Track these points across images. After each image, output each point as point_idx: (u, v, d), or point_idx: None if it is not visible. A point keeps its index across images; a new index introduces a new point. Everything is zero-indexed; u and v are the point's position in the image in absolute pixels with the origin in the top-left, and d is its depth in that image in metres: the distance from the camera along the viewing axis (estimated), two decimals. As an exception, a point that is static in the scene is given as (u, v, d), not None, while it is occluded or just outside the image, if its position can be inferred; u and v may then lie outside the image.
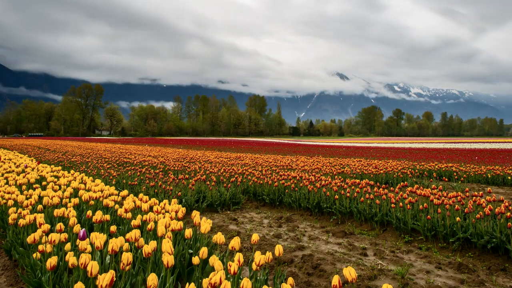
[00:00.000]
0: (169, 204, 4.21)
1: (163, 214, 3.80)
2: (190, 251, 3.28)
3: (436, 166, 11.76)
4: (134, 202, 4.18)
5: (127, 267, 2.37)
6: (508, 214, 4.03)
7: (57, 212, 3.66)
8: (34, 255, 2.88)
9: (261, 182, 7.43)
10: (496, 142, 47.83)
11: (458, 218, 4.32)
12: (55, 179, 6.05)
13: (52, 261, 2.44)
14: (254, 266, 2.37)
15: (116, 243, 2.55)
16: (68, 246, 2.83)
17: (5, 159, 11.39)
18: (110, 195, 4.61)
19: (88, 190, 5.06)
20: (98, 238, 2.69)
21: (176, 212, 3.69)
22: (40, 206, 4.01)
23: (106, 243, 2.91)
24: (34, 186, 5.37)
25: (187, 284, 2.13)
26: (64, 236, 3.01)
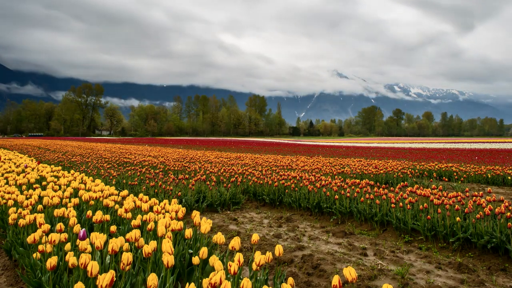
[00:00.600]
0: (169, 204, 4.21)
1: (163, 214, 3.80)
2: (190, 251, 3.28)
3: (436, 166, 11.76)
4: (134, 202, 4.18)
5: (127, 267, 2.37)
6: (508, 214, 4.03)
7: (57, 212, 3.66)
8: (34, 255, 2.88)
9: (261, 182, 7.43)
10: (496, 142, 47.82)
11: (458, 218, 4.33)
12: (55, 179, 6.05)
13: (52, 261, 2.44)
14: (254, 266, 2.37)
15: (116, 243, 2.55)
16: (68, 246, 2.83)
17: (5, 159, 11.39)
18: (110, 195, 4.61)
19: (88, 190, 5.06)
20: (98, 238, 2.69)
21: (176, 212, 3.69)
22: (40, 206, 4.01)
23: (106, 243, 2.91)
24: (34, 186, 5.37)
25: (187, 284, 2.13)
26: (64, 236, 3.01)
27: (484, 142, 47.35)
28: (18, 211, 3.80)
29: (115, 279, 2.02)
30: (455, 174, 10.51)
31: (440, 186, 6.15)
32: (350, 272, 1.92)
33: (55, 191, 5.05)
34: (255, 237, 2.78)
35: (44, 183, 5.93)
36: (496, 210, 4.23)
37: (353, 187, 6.47)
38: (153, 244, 2.63)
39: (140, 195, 4.35)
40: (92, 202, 4.43)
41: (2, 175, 6.99)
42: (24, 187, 5.44)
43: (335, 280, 1.87)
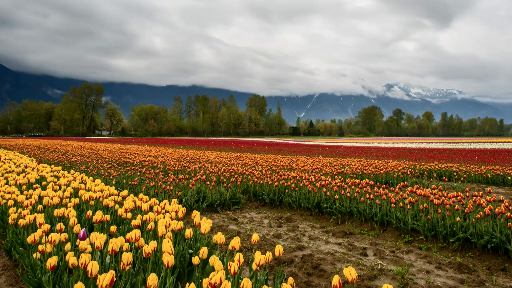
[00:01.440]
0: (169, 204, 4.21)
1: (163, 214, 3.80)
2: (190, 251, 3.28)
3: (436, 166, 11.76)
4: (134, 202, 4.18)
5: (127, 267, 2.37)
6: (508, 214, 4.03)
7: (57, 212, 3.66)
8: (34, 255, 2.88)
9: (261, 182, 7.42)
10: (496, 142, 47.84)
11: (458, 218, 4.33)
12: (55, 179, 6.05)
13: (52, 261, 2.44)
14: (254, 266, 2.37)
15: (116, 243, 2.55)
16: (68, 246, 2.83)
17: (5, 159, 11.39)
18: (110, 195, 4.61)
19: (88, 190, 5.06)
20: (98, 238, 2.69)
21: (176, 212, 3.69)
22: (40, 206, 4.01)
23: (106, 243, 2.91)
24: (34, 186, 5.37)
25: (187, 284, 2.13)
26: (64, 236, 3.01)
27: (484, 142, 47.37)
28: (18, 211, 3.80)
29: (115, 279, 2.02)
30: (455, 174, 10.51)
31: (440, 186, 6.15)
32: (350, 272, 1.92)
33: (55, 191, 5.05)
34: (255, 237, 2.78)
35: (44, 183, 5.93)
36: (496, 210, 4.23)
37: (353, 187, 6.47)
38: (153, 244, 2.63)
39: (140, 195, 4.35)
40: (92, 202, 4.43)
41: (2, 175, 6.99)
42: (24, 187, 5.44)
43: (335, 280, 1.87)
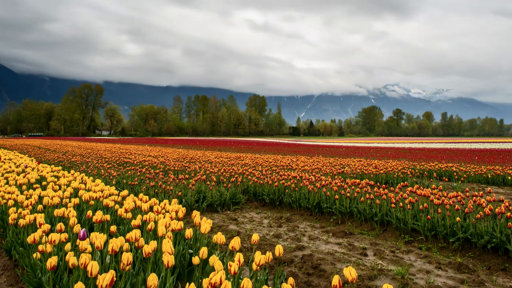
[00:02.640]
0: (169, 204, 4.22)
1: (163, 214, 3.80)
2: (190, 251, 3.28)
3: (436, 166, 11.76)
4: (134, 202, 4.18)
5: (127, 267, 2.37)
6: (508, 214, 4.03)
7: (57, 212, 3.66)
8: (34, 255, 2.88)
9: (261, 182, 7.42)
10: (496, 142, 47.85)
11: (458, 218, 4.33)
12: (55, 179, 6.05)
13: (52, 261, 2.44)
14: (254, 266, 2.37)
15: (116, 243, 2.55)
16: (68, 246, 2.83)
17: (5, 159, 11.39)
18: (110, 195, 4.61)
19: (88, 190, 5.06)
20: (98, 238, 2.69)
21: (176, 212, 3.69)
22: (40, 206, 4.01)
23: (106, 243, 2.91)
24: (34, 186, 5.37)
25: (187, 284, 2.13)
26: (64, 236, 3.01)
27: (484, 142, 47.38)
28: (18, 211, 3.80)
29: (115, 279, 2.02)
30: (455, 174, 10.51)
31: (440, 186, 6.15)
32: (350, 272, 1.92)
33: (55, 191, 5.05)
34: (255, 237, 2.78)
35: (44, 183, 5.93)
36: (496, 210, 4.23)
37: (353, 187, 6.47)
38: (153, 244, 2.63)
39: (140, 195, 4.35)
40: (92, 202, 4.43)
41: (2, 175, 6.99)
42: (24, 187, 5.44)
43: (335, 280, 1.87)
